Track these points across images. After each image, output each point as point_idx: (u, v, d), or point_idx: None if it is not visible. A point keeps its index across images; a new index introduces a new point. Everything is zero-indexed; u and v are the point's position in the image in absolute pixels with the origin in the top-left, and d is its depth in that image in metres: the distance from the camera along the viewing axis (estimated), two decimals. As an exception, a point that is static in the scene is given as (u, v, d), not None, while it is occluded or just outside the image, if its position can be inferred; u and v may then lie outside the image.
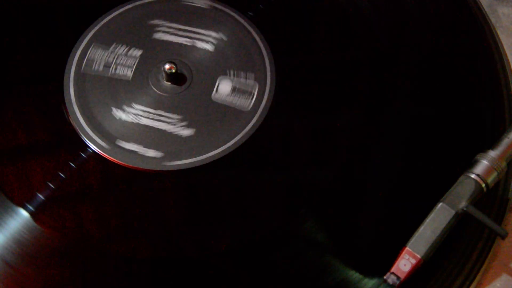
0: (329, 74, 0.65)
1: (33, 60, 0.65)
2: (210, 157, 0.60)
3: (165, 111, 0.62)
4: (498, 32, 0.68)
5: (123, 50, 0.65)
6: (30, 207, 0.57)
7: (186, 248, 0.56)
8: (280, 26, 0.68)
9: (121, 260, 0.55)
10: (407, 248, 0.52)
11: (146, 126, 0.61)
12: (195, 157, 0.60)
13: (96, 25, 0.66)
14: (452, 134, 0.61)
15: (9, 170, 0.59)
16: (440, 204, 0.54)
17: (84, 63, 0.64)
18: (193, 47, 0.65)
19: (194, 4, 0.68)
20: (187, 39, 0.66)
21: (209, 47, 0.65)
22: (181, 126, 0.61)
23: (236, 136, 0.61)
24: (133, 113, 0.62)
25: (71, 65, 0.64)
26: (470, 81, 0.64)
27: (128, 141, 0.60)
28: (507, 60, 0.66)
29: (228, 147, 0.60)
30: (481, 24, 0.67)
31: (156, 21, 0.67)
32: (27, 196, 0.57)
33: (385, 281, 0.52)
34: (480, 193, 0.55)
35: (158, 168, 0.59)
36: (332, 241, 0.56)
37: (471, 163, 0.56)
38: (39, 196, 0.57)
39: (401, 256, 0.52)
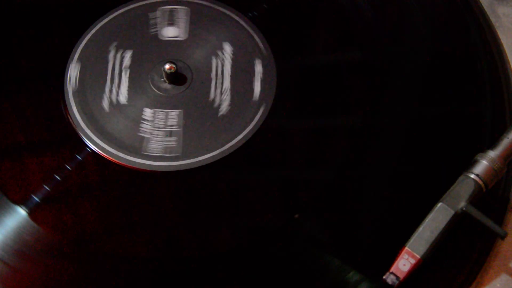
0: (330, 75, 0.65)
1: (33, 58, 0.65)
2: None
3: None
4: (498, 32, 0.68)
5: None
6: (29, 206, 0.57)
7: (186, 248, 0.56)
8: (281, 27, 0.68)
9: (120, 260, 0.55)
10: (406, 248, 0.52)
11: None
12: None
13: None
14: (452, 134, 0.61)
15: (8, 168, 0.59)
16: (439, 204, 0.54)
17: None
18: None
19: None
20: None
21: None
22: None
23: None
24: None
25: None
26: (470, 81, 0.64)
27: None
28: (507, 60, 0.66)
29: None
30: (481, 24, 0.67)
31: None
32: (26, 194, 0.57)
33: (385, 281, 0.52)
34: (480, 193, 0.55)
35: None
36: (332, 242, 0.56)
37: (471, 163, 0.56)
38: (37, 195, 0.57)
39: (401, 256, 0.52)
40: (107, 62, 0.64)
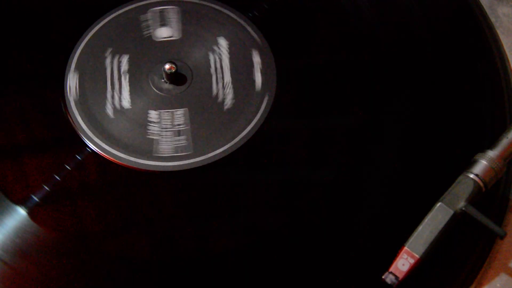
0: (330, 75, 0.65)
1: (33, 57, 0.65)
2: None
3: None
4: (498, 32, 0.68)
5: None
6: (29, 206, 0.57)
7: (186, 248, 0.56)
8: (281, 27, 0.68)
9: (119, 259, 0.55)
10: (405, 247, 0.52)
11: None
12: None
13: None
14: (452, 134, 0.61)
15: (8, 168, 0.59)
16: (438, 204, 0.54)
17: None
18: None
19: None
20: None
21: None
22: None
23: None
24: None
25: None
26: (470, 81, 0.64)
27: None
28: (507, 60, 0.66)
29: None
30: (481, 24, 0.67)
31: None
32: (26, 194, 0.57)
33: (384, 280, 0.52)
34: (479, 193, 0.55)
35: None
36: (331, 241, 0.56)
37: (470, 163, 0.56)
38: (37, 195, 0.57)
39: (400, 255, 0.52)
40: (104, 68, 0.64)
